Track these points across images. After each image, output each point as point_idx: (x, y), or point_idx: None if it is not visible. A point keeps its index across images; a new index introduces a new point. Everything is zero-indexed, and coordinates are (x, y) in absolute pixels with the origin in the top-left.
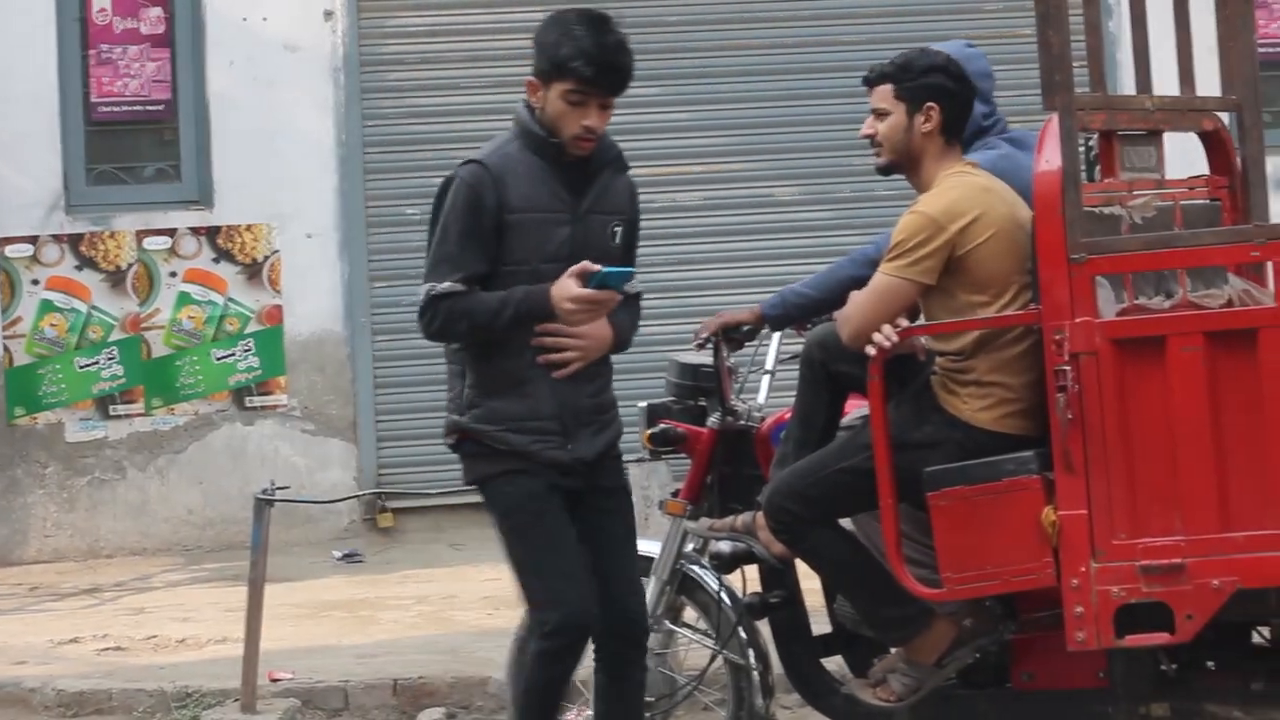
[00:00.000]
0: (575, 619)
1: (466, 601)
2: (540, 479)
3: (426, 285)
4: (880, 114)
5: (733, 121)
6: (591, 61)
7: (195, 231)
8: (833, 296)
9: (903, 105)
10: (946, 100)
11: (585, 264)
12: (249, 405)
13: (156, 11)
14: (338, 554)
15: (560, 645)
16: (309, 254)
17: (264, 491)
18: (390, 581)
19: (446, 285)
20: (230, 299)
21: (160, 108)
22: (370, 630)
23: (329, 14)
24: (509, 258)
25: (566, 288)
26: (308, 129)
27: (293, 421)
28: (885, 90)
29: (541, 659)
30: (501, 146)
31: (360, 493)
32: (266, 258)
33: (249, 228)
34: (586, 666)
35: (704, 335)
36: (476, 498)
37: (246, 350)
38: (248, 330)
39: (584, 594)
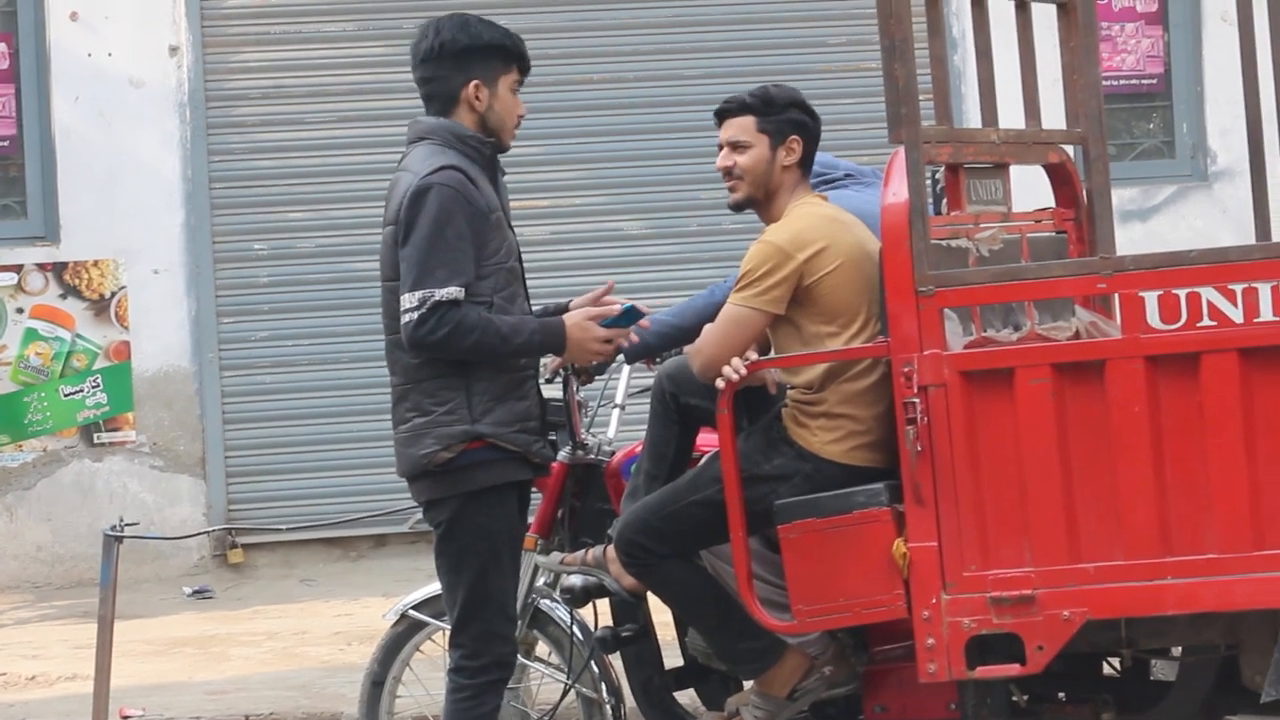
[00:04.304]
0: (512, 655)
1: (318, 637)
2: (518, 504)
3: (421, 291)
4: (739, 147)
5: (578, 156)
6: (526, 51)
7: (42, 267)
8: (691, 325)
9: (765, 138)
10: (805, 134)
11: (606, 308)
12: (98, 441)
13: (0, 46)
14: (188, 590)
15: (502, 677)
16: (156, 290)
17: (113, 528)
18: (241, 617)
19: (450, 290)
20: (78, 335)
21: (5, 143)
22: (221, 666)
23: (174, 49)
24: (489, 258)
25: (590, 329)
26: (154, 164)
27: (141, 458)
28: (746, 122)
29: (488, 690)
30: (448, 160)
31: (210, 529)
32: (114, 293)
33: (96, 264)
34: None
35: (553, 369)
36: (328, 533)
37: (95, 386)
38: (95, 366)
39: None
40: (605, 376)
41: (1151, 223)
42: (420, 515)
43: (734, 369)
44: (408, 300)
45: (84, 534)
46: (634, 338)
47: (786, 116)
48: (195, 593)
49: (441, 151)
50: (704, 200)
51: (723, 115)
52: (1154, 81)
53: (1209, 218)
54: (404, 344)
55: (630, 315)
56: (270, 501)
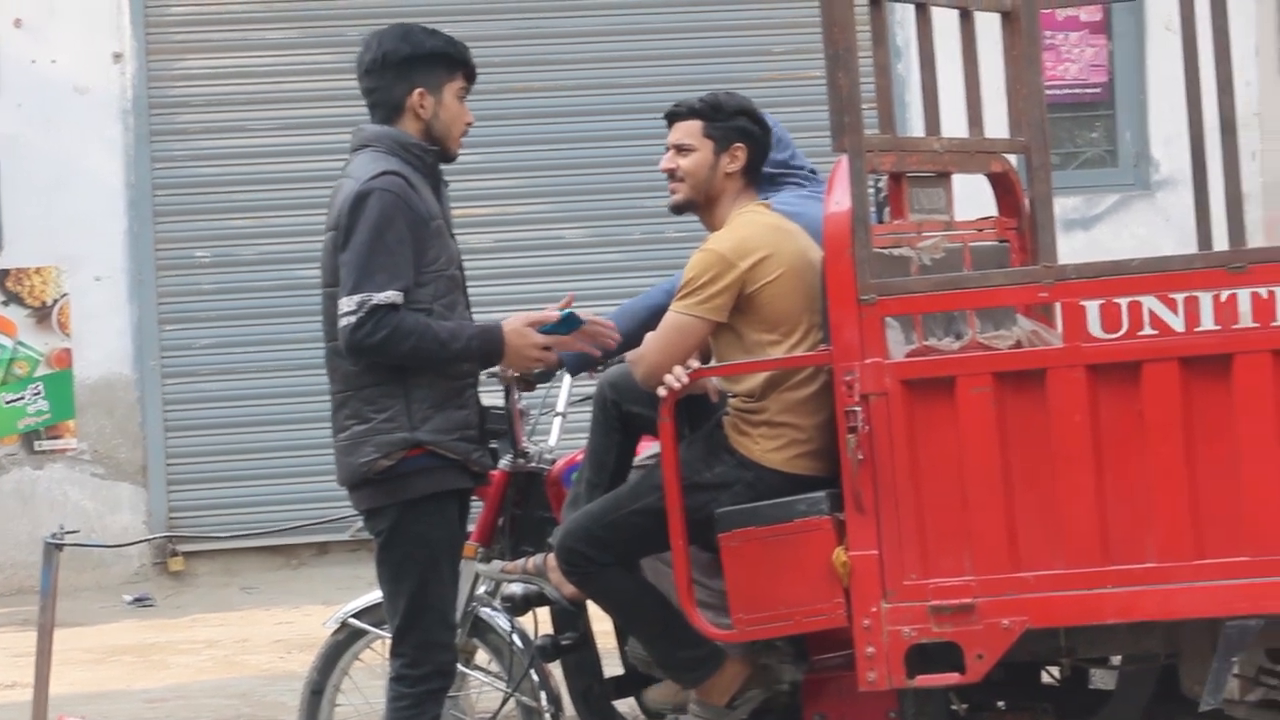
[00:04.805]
0: (452, 664)
1: (258, 645)
2: (458, 513)
3: (359, 295)
4: (683, 150)
5: (521, 164)
6: (471, 58)
7: None
8: (629, 330)
9: (710, 143)
10: (752, 143)
11: (543, 314)
12: (38, 449)
13: None
14: (128, 598)
15: (443, 686)
16: (99, 297)
17: (53, 535)
18: (181, 625)
19: (389, 294)
20: (19, 342)
21: None
22: (161, 675)
23: (118, 56)
24: (429, 265)
25: (528, 335)
26: (97, 171)
27: (82, 465)
28: (693, 127)
29: (429, 699)
30: (390, 166)
31: (150, 536)
32: (56, 301)
33: (38, 270)
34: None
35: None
36: (269, 541)
37: (36, 394)
38: (37, 374)
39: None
40: (547, 385)
41: (1094, 231)
42: (361, 523)
43: (676, 377)
44: (346, 304)
45: (24, 541)
46: (596, 352)
47: (734, 124)
48: (135, 600)
49: (384, 158)
50: (647, 208)
51: (672, 118)
52: (1097, 90)
53: (1151, 226)
54: (342, 348)
55: (569, 322)
56: (211, 509)
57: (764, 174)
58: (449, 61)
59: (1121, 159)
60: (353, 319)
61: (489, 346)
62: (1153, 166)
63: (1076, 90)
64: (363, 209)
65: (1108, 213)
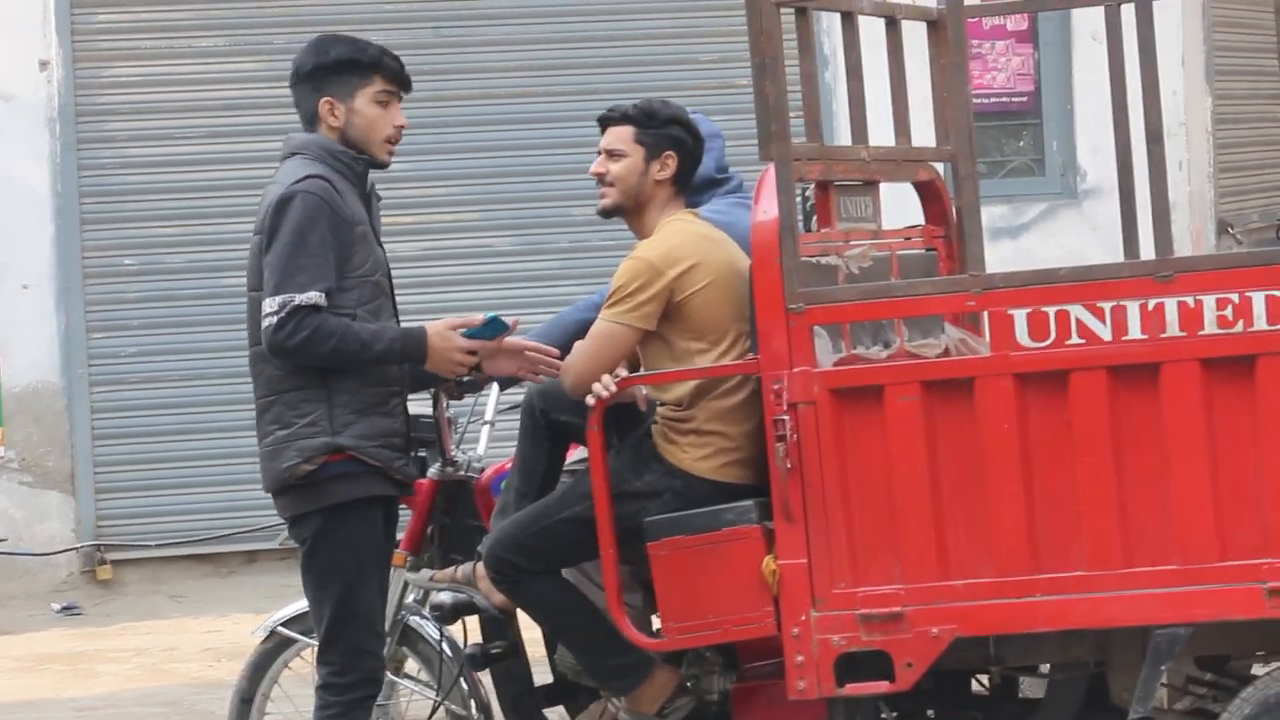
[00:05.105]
0: (380, 672)
1: (187, 653)
2: (385, 521)
3: (281, 296)
4: (615, 155)
5: (450, 172)
6: (394, 58)
7: None
8: (560, 342)
9: (642, 150)
10: (683, 152)
11: (467, 317)
12: None
13: None
14: (57, 606)
15: (370, 694)
16: (26, 305)
17: None
18: (110, 634)
19: (311, 295)
20: None
21: None
22: (90, 683)
23: (44, 64)
24: (354, 270)
25: (451, 339)
26: (24, 179)
27: (10, 473)
28: (625, 132)
29: (356, 707)
30: (317, 171)
31: (79, 545)
32: None
33: None
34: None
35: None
36: (197, 549)
37: None
38: None
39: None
40: (475, 393)
41: (1021, 240)
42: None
43: (604, 385)
44: (268, 305)
45: None
46: (536, 378)
47: (666, 132)
48: (64, 609)
49: (311, 164)
50: (574, 217)
51: (605, 123)
52: (1024, 99)
53: (1078, 235)
54: (265, 349)
55: (493, 326)
56: (140, 517)
57: (714, 179)
58: (359, 67)
59: (1048, 168)
60: (275, 319)
61: (411, 349)
62: (1079, 175)
63: (1003, 99)
64: (286, 212)
65: (1035, 222)
